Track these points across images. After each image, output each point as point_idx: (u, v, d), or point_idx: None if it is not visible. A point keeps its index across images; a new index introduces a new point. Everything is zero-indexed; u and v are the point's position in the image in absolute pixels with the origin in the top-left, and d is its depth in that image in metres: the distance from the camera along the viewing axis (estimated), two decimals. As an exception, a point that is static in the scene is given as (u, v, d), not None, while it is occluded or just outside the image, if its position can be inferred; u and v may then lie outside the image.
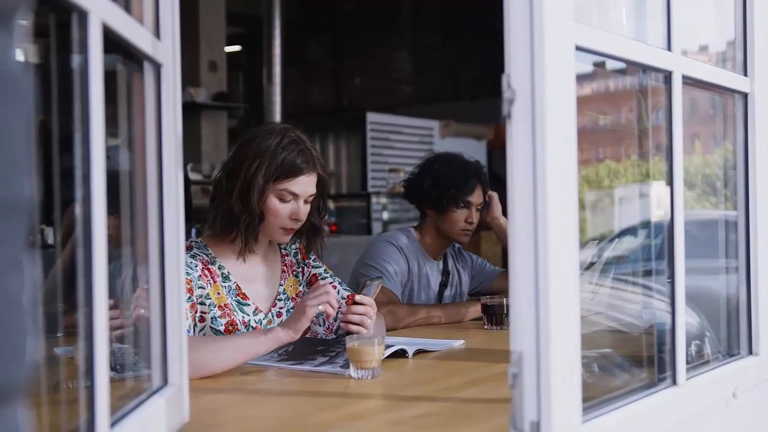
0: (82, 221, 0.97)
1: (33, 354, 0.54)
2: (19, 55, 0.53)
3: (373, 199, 7.14)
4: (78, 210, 0.98)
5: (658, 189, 1.77)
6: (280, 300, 2.23)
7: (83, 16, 0.96)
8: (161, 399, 1.26)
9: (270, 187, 2.08)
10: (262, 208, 2.09)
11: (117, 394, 1.15)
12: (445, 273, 3.04)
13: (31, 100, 0.53)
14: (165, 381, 1.32)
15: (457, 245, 3.09)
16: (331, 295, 1.93)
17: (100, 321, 0.98)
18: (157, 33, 1.30)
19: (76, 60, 0.98)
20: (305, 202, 2.14)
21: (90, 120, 0.97)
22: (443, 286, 3.03)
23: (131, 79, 1.29)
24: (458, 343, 2.27)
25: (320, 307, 1.91)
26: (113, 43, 1.07)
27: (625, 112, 1.91)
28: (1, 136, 0.50)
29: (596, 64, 1.39)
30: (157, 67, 1.30)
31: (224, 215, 2.11)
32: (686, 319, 1.48)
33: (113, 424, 1.05)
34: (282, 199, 2.10)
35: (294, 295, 2.27)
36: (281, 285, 2.25)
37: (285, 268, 2.28)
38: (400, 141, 7.86)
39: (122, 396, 1.22)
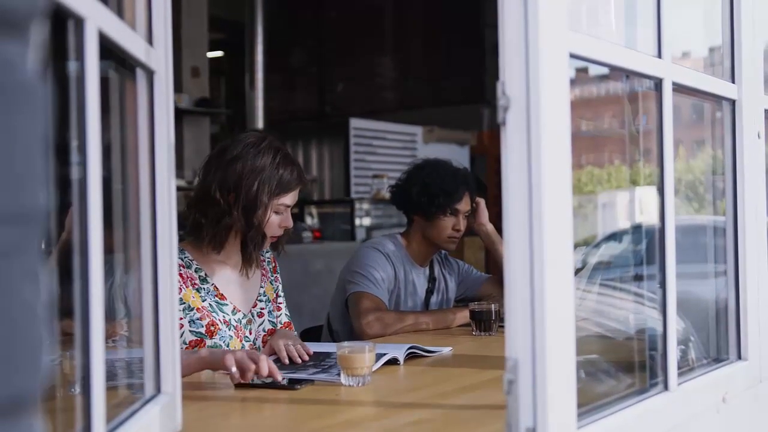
0: (79, 228, 0.96)
1: (47, 364, 0.54)
2: (34, 65, 0.53)
3: (357, 205, 7.12)
4: (72, 217, 0.97)
5: (642, 194, 1.78)
6: (261, 301, 2.30)
7: (80, 23, 0.95)
8: (155, 408, 1.26)
9: (272, 204, 2.16)
10: (264, 224, 2.16)
11: (109, 402, 1.14)
12: (432, 279, 3.04)
13: (46, 110, 0.53)
14: (158, 389, 1.31)
15: (443, 251, 3.09)
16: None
17: (97, 330, 0.97)
18: (149, 40, 1.30)
19: (71, 66, 0.97)
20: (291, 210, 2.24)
21: (86, 126, 0.96)
22: (429, 292, 3.02)
23: (123, 86, 1.28)
24: (446, 350, 2.27)
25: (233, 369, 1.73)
26: (107, 49, 1.07)
27: (608, 118, 1.92)
28: (17, 146, 0.49)
29: (579, 70, 1.39)
30: (150, 74, 1.29)
31: (224, 231, 2.15)
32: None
33: (108, 433, 1.04)
34: (277, 212, 2.19)
35: (271, 300, 2.34)
36: (262, 287, 2.32)
37: (264, 272, 2.35)
38: (384, 147, 7.85)
39: (115, 405, 1.21)
